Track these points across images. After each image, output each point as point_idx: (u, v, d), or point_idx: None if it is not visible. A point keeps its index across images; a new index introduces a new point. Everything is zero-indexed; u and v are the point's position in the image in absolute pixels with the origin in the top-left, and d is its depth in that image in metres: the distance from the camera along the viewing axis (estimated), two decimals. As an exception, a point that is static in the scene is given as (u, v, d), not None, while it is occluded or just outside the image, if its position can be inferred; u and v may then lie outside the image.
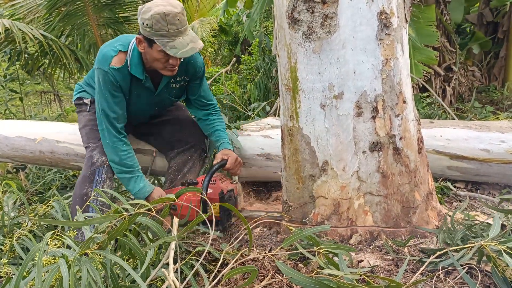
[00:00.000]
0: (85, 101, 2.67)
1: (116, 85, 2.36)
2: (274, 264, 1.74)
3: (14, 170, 4.21)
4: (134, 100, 2.50)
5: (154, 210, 1.55)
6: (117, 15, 5.46)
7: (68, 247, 1.62)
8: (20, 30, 4.20)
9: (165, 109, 2.77)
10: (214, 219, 1.71)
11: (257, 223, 2.35)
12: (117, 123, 2.43)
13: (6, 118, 5.42)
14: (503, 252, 1.50)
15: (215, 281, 1.50)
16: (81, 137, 2.63)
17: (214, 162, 2.51)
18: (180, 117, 2.78)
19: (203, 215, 1.64)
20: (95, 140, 2.50)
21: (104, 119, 2.39)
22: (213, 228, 1.60)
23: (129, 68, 2.36)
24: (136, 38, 2.30)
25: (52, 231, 1.57)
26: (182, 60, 2.38)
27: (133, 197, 2.51)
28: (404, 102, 1.96)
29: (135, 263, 1.70)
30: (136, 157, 2.49)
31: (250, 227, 1.67)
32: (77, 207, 2.12)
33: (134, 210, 1.54)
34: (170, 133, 2.73)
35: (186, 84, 2.63)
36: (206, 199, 1.87)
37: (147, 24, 2.17)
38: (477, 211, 2.40)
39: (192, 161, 2.70)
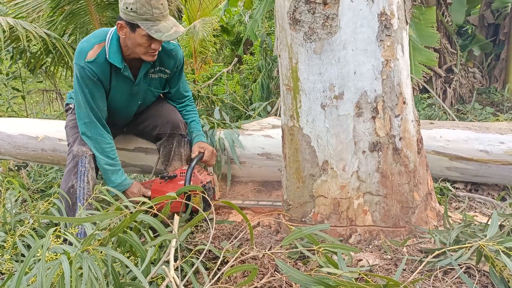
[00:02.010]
0: (70, 106, 2.75)
1: (93, 79, 2.39)
2: (273, 262, 1.76)
3: (16, 168, 4.22)
4: (114, 92, 2.53)
5: (155, 208, 1.57)
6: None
7: (70, 243, 1.63)
8: (24, 28, 4.21)
9: (147, 105, 2.80)
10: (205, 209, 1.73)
11: (257, 221, 2.37)
12: (101, 116, 2.49)
13: (9, 116, 5.44)
14: (501, 252, 1.51)
15: (215, 278, 1.51)
16: (65, 136, 2.69)
17: (193, 155, 2.61)
18: (154, 109, 2.81)
19: (204, 213, 1.66)
20: (74, 136, 2.55)
21: (90, 112, 2.44)
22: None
23: (107, 56, 2.39)
24: (118, 23, 2.32)
25: (54, 228, 1.58)
26: (161, 49, 2.43)
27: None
28: (404, 102, 1.98)
29: (135, 261, 1.71)
30: (138, 156, 2.51)
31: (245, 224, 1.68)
32: (79, 204, 2.14)
33: (135, 207, 1.55)
34: (152, 128, 2.78)
35: (167, 77, 2.69)
36: (206, 197, 1.90)
37: (131, 9, 2.21)
38: (475, 212, 2.42)
39: (173, 150, 2.75)
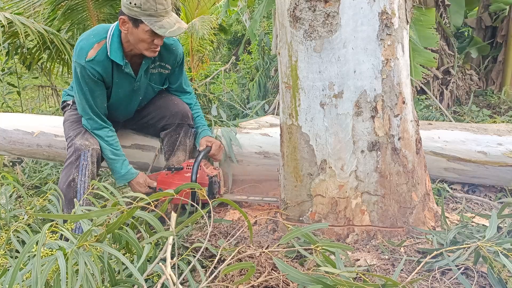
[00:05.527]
0: (68, 102, 2.75)
1: (93, 78, 2.39)
2: (271, 261, 1.74)
3: (10, 164, 4.19)
4: (116, 89, 2.53)
5: (153, 204, 1.55)
6: (117, 11, 5.47)
7: (66, 239, 1.61)
8: (22, 23, 4.18)
9: (148, 100, 2.80)
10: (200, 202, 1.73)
11: (254, 220, 2.36)
12: (100, 113, 2.50)
13: (3, 112, 5.39)
14: (499, 253, 1.51)
15: (212, 277, 1.50)
16: (63, 131, 2.67)
17: (200, 148, 2.65)
18: (161, 101, 2.81)
19: (202, 211, 1.65)
20: (75, 130, 2.54)
21: (88, 110, 2.46)
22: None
23: (108, 53, 2.38)
24: (120, 18, 2.31)
25: (50, 223, 1.57)
26: (162, 45, 2.42)
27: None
28: (404, 102, 1.97)
29: (131, 258, 1.70)
30: (135, 153, 2.50)
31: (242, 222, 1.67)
32: (75, 199, 2.12)
33: (133, 203, 1.54)
34: (158, 120, 2.78)
35: (168, 73, 2.69)
36: (204, 194, 1.88)
37: (135, 4, 2.21)
38: (473, 213, 2.41)
39: (179, 140, 2.76)
